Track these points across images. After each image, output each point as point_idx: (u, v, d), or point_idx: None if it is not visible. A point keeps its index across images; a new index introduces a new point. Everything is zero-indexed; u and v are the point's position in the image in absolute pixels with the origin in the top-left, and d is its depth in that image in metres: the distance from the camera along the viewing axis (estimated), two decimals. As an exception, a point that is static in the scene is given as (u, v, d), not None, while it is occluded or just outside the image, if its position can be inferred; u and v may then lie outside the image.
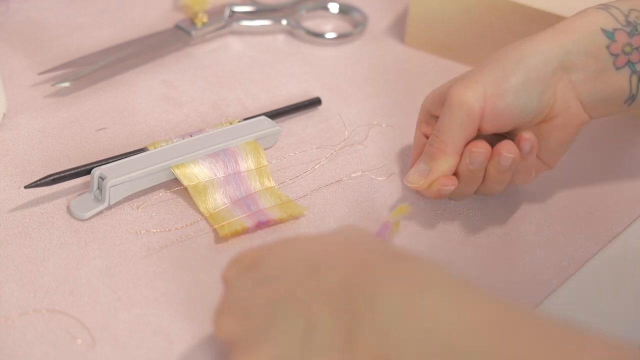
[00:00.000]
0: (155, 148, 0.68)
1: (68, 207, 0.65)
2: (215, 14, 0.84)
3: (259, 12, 0.86)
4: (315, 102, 0.76)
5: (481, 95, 0.61)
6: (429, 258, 0.51)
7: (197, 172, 0.67)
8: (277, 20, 0.85)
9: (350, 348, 0.47)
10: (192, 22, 0.82)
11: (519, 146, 0.63)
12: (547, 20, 0.73)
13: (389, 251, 0.51)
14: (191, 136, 0.69)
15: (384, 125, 0.75)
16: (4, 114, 0.72)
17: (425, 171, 0.64)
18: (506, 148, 0.62)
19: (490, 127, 0.63)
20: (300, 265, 0.50)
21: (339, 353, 0.48)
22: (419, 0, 0.81)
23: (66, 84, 0.75)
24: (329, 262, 0.50)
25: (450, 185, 0.64)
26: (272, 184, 0.69)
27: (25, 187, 0.64)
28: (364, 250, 0.51)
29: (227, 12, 0.84)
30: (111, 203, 0.65)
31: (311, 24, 0.87)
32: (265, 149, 0.71)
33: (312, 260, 0.50)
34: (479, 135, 0.63)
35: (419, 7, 0.81)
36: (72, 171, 0.66)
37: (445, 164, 0.63)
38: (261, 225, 0.65)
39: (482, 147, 0.63)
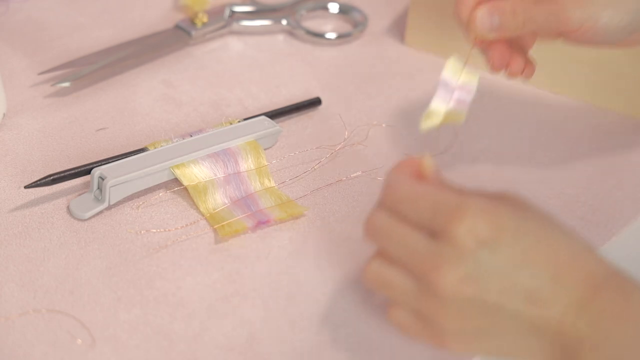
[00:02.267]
0: (155, 148, 0.68)
1: (68, 207, 0.65)
2: (215, 14, 0.84)
3: (259, 12, 0.86)
4: (315, 102, 0.76)
5: None
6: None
7: (197, 172, 0.67)
8: (277, 20, 0.85)
9: None
10: (192, 22, 0.82)
11: None
12: None
13: (617, 272, 0.52)
14: (191, 136, 0.69)
15: (384, 125, 0.75)
16: (4, 114, 0.72)
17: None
18: None
19: None
20: (538, 266, 0.52)
21: None
22: (418, 1, 0.81)
23: (66, 84, 0.75)
24: (564, 279, 0.52)
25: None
26: (272, 184, 0.69)
27: (25, 187, 0.65)
28: (596, 267, 0.52)
29: (227, 12, 0.84)
30: (111, 203, 0.65)
31: (311, 24, 0.87)
32: (265, 149, 0.71)
33: (549, 268, 0.52)
34: None
35: (419, 7, 0.81)
36: (72, 171, 0.66)
37: None
38: (261, 225, 0.65)
39: None
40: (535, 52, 0.71)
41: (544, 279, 0.52)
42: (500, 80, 0.82)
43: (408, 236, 0.54)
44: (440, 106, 0.63)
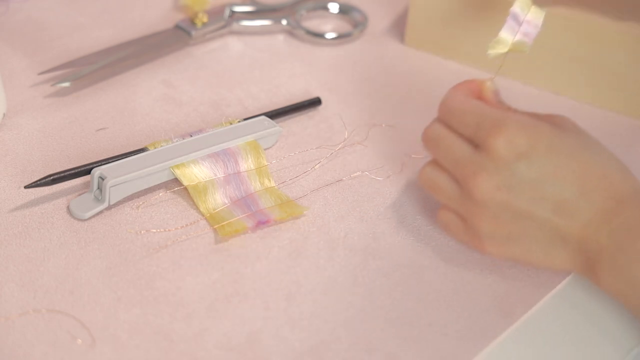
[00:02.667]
0: (155, 148, 0.68)
1: (68, 207, 0.65)
2: (215, 14, 0.84)
3: (259, 12, 0.86)
4: (315, 102, 0.76)
5: None
6: None
7: (197, 172, 0.67)
8: (277, 20, 0.85)
9: (589, 271, 0.58)
10: (192, 22, 0.82)
11: None
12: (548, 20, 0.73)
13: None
14: (191, 136, 0.69)
15: (384, 125, 0.75)
16: (4, 114, 0.72)
17: None
18: None
19: None
20: (568, 181, 0.58)
21: (577, 270, 0.59)
22: (418, 1, 0.81)
23: (66, 84, 0.75)
24: (591, 194, 0.57)
25: None
26: (272, 184, 0.69)
27: (25, 187, 0.64)
28: (622, 185, 0.58)
29: (227, 12, 0.84)
30: (111, 203, 0.65)
31: (311, 24, 0.87)
32: (265, 149, 0.71)
33: (578, 184, 0.58)
34: None
35: (419, 7, 0.81)
36: (72, 171, 0.66)
37: None
38: (261, 225, 0.65)
39: None
40: (536, 53, 0.71)
41: (571, 192, 0.58)
42: (501, 80, 0.82)
43: (454, 146, 0.61)
44: (507, 36, 0.67)
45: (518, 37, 0.66)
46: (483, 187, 0.59)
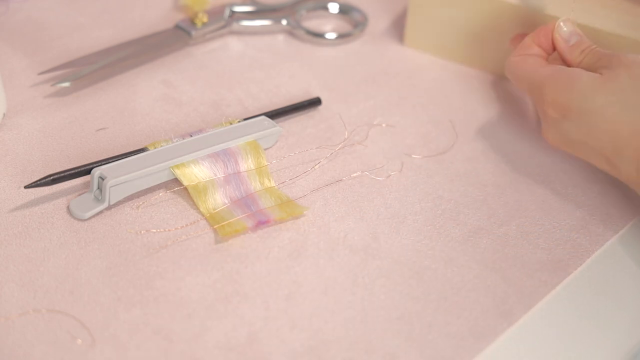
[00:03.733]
0: (155, 148, 0.68)
1: (68, 207, 0.65)
2: (215, 14, 0.84)
3: (259, 12, 0.86)
4: (315, 102, 0.76)
5: None
6: None
7: (197, 172, 0.67)
8: (277, 20, 0.85)
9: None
10: (192, 22, 0.82)
11: None
12: (543, 21, 0.73)
13: None
14: (191, 136, 0.69)
15: (384, 125, 0.75)
16: (4, 114, 0.72)
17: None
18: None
19: None
20: (602, 140, 0.64)
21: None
22: (417, 2, 0.81)
23: (66, 84, 0.75)
24: (625, 151, 0.63)
25: None
26: (272, 184, 0.69)
27: (25, 187, 0.65)
28: None
29: (227, 12, 0.84)
30: (111, 203, 0.65)
31: (311, 24, 0.87)
32: (265, 149, 0.71)
33: (611, 142, 0.63)
34: None
35: (418, 8, 0.81)
36: (72, 171, 0.66)
37: None
38: (261, 225, 0.65)
39: None
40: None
41: (608, 149, 0.64)
42: (497, 82, 0.82)
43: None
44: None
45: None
46: (545, 131, 0.68)
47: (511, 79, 0.71)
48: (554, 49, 0.70)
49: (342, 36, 0.85)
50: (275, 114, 0.73)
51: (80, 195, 0.66)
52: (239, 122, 0.71)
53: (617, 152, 0.63)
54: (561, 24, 0.69)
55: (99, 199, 0.65)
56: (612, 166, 0.65)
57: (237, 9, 0.85)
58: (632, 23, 0.73)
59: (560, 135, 0.67)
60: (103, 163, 0.66)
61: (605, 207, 0.69)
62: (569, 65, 0.69)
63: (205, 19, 0.82)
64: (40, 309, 0.59)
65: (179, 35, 0.82)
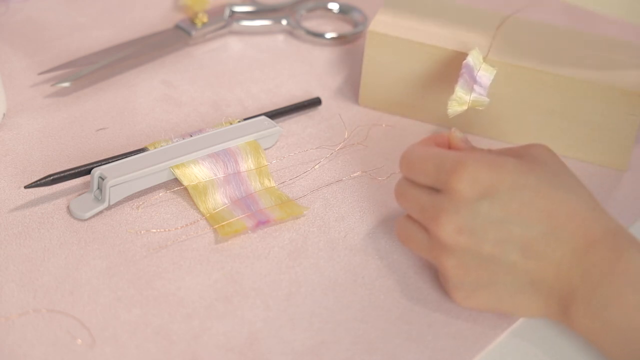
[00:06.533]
0: (155, 148, 0.68)
1: (68, 207, 0.65)
2: (215, 14, 0.84)
3: (259, 12, 0.86)
4: (315, 102, 0.76)
5: None
6: None
7: (197, 172, 0.67)
8: (277, 20, 0.85)
9: (563, 315, 0.56)
10: (192, 22, 0.82)
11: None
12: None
13: (616, 232, 0.56)
14: (191, 136, 0.69)
15: (384, 125, 0.75)
16: (4, 114, 0.72)
17: None
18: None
19: None
20: (534, 219, 0.55)
21: (552, 316, 0.57)
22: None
23: (66, 84, 0.75)
24: (560, 233, 0.55)
25: None
26: (272, 184, 0.69)
27: (25, 187, 0.65)
28: (594, 225, 0.55)
29: (227, 12, 0.84)
30: (111, 203, 0.65)
31: (311, 24, 0.87)
32: (265, 149, 0.71)
33: (546, 222, 0.55)
34: None
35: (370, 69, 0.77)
36: (72, 171, 0.66)
37: None
38: (261, 225, 0.65)
39: None
40: (506, 104, 0.71)
41: (539, 231, 0.55)
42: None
43: (419, 195, 0.59)
44: (464, 92, 0.68)
45: (474, 95, 0.67)
46: (445, 229, 0.56)
47: (407, 169, 0.60)
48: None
49: (342, 36, 0.85)
50: (275, 114, 0.73)
51: (80, 195, 0.66)
52: (239, 122, 0.71)
53: (551, 234, 0.55)
54: (456, 132, 0.62)
55: (99, 199, 0.65)
56: (532, 259, 0.56)
57: (237, 9, 0.85)
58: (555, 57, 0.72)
59: (467, 252, 0.56)
60: (103, 163, 0.66)
61: (606, 208, 0.69)
62: None
63: (205, 19, 0.82)
64: (40, 309, 0.59)
65: (179, 35, 0.82)
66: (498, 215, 0.56)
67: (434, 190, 0.58)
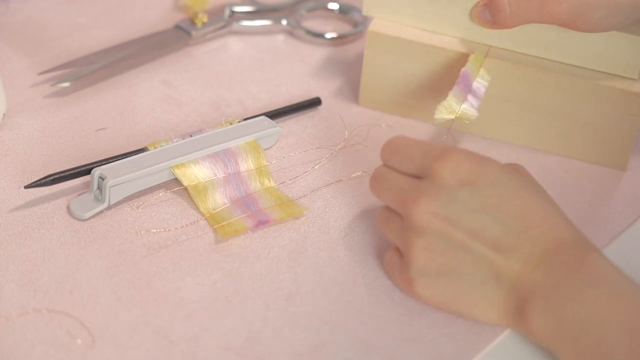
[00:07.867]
0: (155, 148, 0.68)
1: (68, 207, 0.65)
2: (215, 14, 0.84)
3: (259, 12, 0.86)
4: (315, 102, 0.76)
5: None
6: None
7: (197, 172, 0.67)
8: (277, 20, 0.85)
9: (518, 315, 0.56)
10: (192, 22, 0.82)
11: None
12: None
13: (586, 241, 0.57)
14: (191, 136, 0.69)
15: (384, 125, 0.75)
16: (4, 114, 0.72)
17: None
18: None
19: None
20: (509, 216, 0.56)
21: (507, 316, 0.57)
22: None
23: (66, 84, 0.75)
24: (532, 233, 0.56)
25: None
26: (272, 184, 0.69)
27: (25, 187, 0.65)
28: (565, 231, 0.57)
29: (227, 12, 0.84)
30: (111, 203, 0.65)
31: (311, 24, 0.87)
32: (265, 149, 0.71)
33: (520, 221, 0.56)
34: None
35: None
36: (72, 171, 0.66)
37: None
38: (261, 225, 0.65)
39: None
40: (505, 104, 0.71)
41: (512, 228, 0.56)
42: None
43: (399, 180, 0.59)
44: (455, 101, 0.68)
45: (464, 105, 0.67)
46: (420, 210, 0.57)
47: (390, 155, 0.61)
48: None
49: (342, 36, 0.85)
50: (275, 114, 0.74)
51: (80, 195, 0.66)
52: (239, 122, 0.72)
53: (525, 232, 0.56)
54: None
55: (99, 199, 0.65)
56: (501, 253, 0.56)
57: (237, 9, 0.85)
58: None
59: (437, 237, 0.57)
60: (103, 163, 0.66)
61: (606, 208, 0.69)
62: None
63: (205, 19, 0.82)
64: (40, 309, 0.59)
65: (179, 35, 0.82)
66: (475, 206, 0.56)
67: (415, 177, 0.59)
